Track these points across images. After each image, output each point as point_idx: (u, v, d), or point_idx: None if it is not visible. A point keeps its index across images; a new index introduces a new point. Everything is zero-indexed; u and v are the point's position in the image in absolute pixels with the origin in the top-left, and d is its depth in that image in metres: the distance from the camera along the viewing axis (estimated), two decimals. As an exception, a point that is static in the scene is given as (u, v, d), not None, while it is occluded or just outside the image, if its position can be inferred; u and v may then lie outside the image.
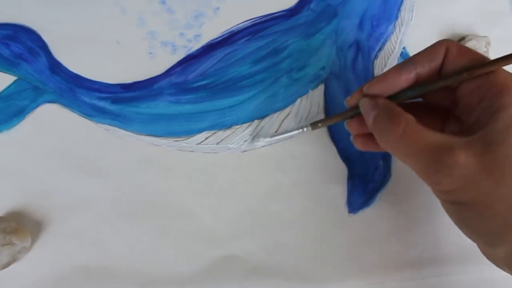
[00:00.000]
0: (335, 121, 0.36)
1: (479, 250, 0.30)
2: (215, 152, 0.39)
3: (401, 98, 0.31)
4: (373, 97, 0.31)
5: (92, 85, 0.39)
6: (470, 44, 0.43)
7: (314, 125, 0.36)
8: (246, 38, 0.41)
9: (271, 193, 0.39)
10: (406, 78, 0.30)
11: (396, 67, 0.32)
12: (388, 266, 0.38)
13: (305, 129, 0.36)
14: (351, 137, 0.35)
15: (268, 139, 0.38)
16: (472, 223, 0.27)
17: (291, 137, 0.38)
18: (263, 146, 0.39)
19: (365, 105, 0.31)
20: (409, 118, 0.28)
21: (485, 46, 0.44)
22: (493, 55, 0.41)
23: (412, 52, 0.43)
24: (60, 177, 0.38)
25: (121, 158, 0.38)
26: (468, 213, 0.26)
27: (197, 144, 0.39)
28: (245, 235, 0.38)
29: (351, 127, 0.34)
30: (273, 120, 0.41)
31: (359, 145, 0.35)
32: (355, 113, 0.33)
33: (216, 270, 0.37)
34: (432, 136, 0.27)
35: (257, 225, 0.38)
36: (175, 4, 0.42)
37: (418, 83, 0.31)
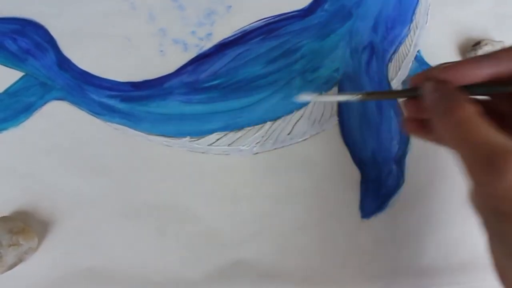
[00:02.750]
0: (389, 98, 0.34)
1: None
2: (227, 154, 0.39)
3: (471, 92, 0.28)
4: (439, 81, 0.28)
5: (101, 82, 0.39)
6: (485, 49, 0.43)
7: (366, 95, 0.33)
8: (259, 38, 0.40)
9: (283, 197, 0.38)
10: (483, 73, 0.27)
11: (475, 59, 0.29)
12: (400, 273, 0.38)
13: (356, 97, 0.33)
14: (402, 119, 0.33)
15: (315, 96, 0.36)
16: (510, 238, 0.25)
17: (338, 100, 0.37)
18: (308, 102, 0.39)
19: (429, 86, 0.29)
20: (473, 108, 0.26)
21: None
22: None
23: (426, 55, 0.42)
24: (67, 176, 0.37)
25: (130, 158, 0.37)
26: (508, 227, 0.25)
27: (208, 145, 0.39)
28: (256, 239, 0.37)
29: (406, 108, 0.32)
30: (286, 123, 0.40)
31: (409, 129, 0.33)
32: (414, 94, 0.31)
33: (226, 275, 0.36)
34: (494, 135, 0.25)
35: (269, 229, 0.38)
36: (186, 1, 0.41)
37: (494, 81, 0.28)
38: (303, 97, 0.35)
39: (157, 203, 0.37)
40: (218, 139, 0.39)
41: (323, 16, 0.42)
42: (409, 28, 0.42)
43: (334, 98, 0.38)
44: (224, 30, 0.40)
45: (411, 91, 0.31)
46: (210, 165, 0.38)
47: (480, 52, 0.42)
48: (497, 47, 0.43)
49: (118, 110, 0.38)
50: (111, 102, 0.39)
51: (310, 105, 0.41)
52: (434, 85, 0.28)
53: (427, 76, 0.29)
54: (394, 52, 0.42)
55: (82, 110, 0.38)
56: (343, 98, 0.34)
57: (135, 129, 0.38)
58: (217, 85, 0.39)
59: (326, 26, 0.41)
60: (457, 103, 0.26)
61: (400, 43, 0.42)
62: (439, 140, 0.30)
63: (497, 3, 0.44)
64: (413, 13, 0.44)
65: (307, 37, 0.41)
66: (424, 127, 0.31)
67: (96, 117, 0.38)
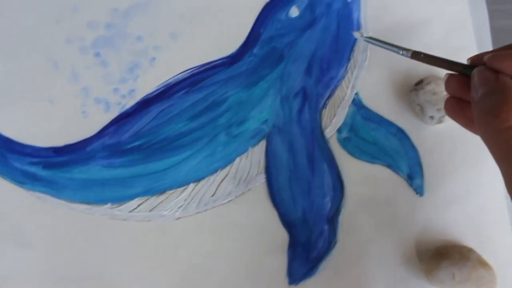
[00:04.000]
0: (437, 65, 0.29)
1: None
2: (148, 220, 0.37)
3: None
4: (493, 70, 0.25)
5: (23, 149, 0.37)
6: (428, 88, 0.38)
7: (416, 54, 0.31)
8: (184, 91, 0.38)
9: (208, 262, 0.36)
10: None
11: None
12: None
13: (405, 53, 0.32)
14: (443, 96, 0.30)
15: (365, 36, 0.37)
16: None
17: (387, 49, 0.35)
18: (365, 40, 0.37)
19: (480, 75, 0.25)
20: None
21: (447, 91, 0.39)
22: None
23: (365, 98, 0.39)
24: (-10, 250, 0.36)
25: (53, 228, 0.36)
26: None
27: (129, 211, 0.37)
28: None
29: (449, 84, 0.29)
30: (210, 183, 0.38)
31: (449, 109, 0.30)
32: (463, 72, 0.28)
33: None
34: None
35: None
36: (110, 56, 0.39)
37: None
38: (356, 34, 0.36)
39: (81, 275, 0.36)
40: (139, 205, 0.37)
41: (251, 62, 0.39)
42: (346, 69, 0.39)
43: (381, 44, 0.35)
44: (148, 85, 0.38)
45: (465, 68, 0.27)
46: (131, 233, 0.37)
47: (422, 92, 0.38)
48: (443, 86, 0.39)
49: (41, 178, 0.37)
50: (33, 169, 0.37)
51: (235, 163, 0.38)
52: (486, 74, 0.25)
53: (484, 59, 0.25)
54: (329, 97, 0.39)
55: (5, 179, 0.37)
56: (391, 47, 0.33)
57: (57, 198, 0.37)
58: (139, 146, 0.38)
59: (254, 72, 0.39)
60: (508, 106, 0.22)
61: (336, 86, 0.39)
62: (477, 132, 0.26)
63: (447, 35, 0.40)
64: (351, 51, 0.40)
65: (234, 87, 0.39)
66: (466, 111, 0.27)
67: (19, 186, 0.37)
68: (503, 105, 0.23)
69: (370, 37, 0.37)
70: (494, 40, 0.40)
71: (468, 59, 0.29)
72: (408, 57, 0.32)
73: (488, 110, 0.23)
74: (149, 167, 0.37)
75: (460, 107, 0.29)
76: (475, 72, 0.26)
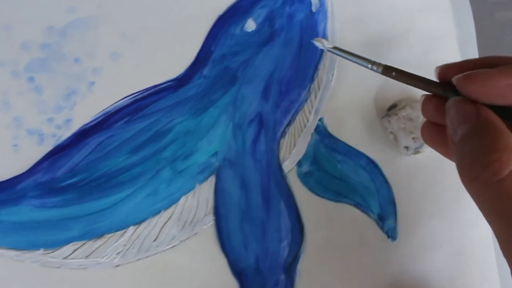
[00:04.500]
0: (412, 84, 0.25)
1: None
2: (84, 268, 0.33)
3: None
4: (468, 99, 0.21)
5: (-50, 190, 0.35)
6: (403, 114, 0.33)
7: (387, 70, 0.27)
8: (125, 120, 0.35)
9: None
10: None
11: None
12: None
13: (375, 67, 0.28)
14: (420, 122, 0.27)
15: (328, 46, 0.32)
16: None
17: (354, 62, 0.30)
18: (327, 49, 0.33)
19: (457, 109, 0.21)
20: None
21: (424, 116, 0.34)
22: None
23: (331, 124, 0.35)
24: None
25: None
26: None
27: (63, 258, 0.33)
28: None
29: (426, 107, 0.25)
30: (152, 226, 0.34)
31: (426, 136, 0.26)
32: (443, 94, 0.24)
33: None
34: None
35: None
36: (45, 81, 0.35)
37: None
38: (318, 43, 0.32)
39: (9, 329, 0.32)
40: (74, 250, 0.33)
41: (201, 85, 0.35)
42: (309, 90, 0.36)
43: (348, 56, 0.30)
44: (86, 114, 0.35)
45: (444, 89, 0.23)
46: (65, 282, 0.33)
47: (396, 118, 0.33)
48: (419, 110, 0.34)
49: (-36, 220, 0.34)
50: (-41, 212, 0.34)
51: (180, 202, 0.34)
52: (465, 108, 0.21)
53: (457, 72, 0.22)
54: (289, 124, 0.36)
55: None
56: (360, 60, 0.28)
57: (-17, 243, 0.35)
58: (74, 184, 0.34)
59: (204, 97, 0.35)
60: (501, 150, 0.19)
61: (297, 111, 0.36)
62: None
63: (428, 49, 0.35)
64: (315, 69, 0.36)
65: (180, 114, 0.35)
66: (445, 137, 0.23)
67: None
68: (491, 152, 0.19)
69: (335, 47, 0.31)
70: (482, 55, 0.34)
71: (436, 68, 0.24)
72: (378, 72, 0.27)
73: (472, 159, 0.19)
74: (85, 207, 0.34)
75: (439, 133, 0.25)
76: (450, 104, 0.22)
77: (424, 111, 0.25)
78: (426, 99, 0.25)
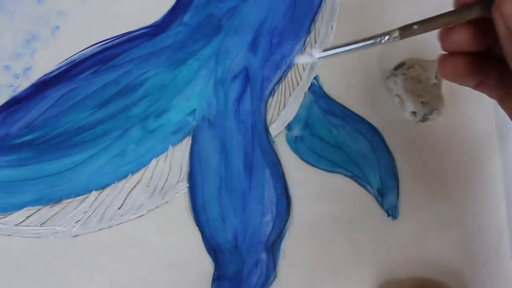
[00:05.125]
0: (441, 24, 0.23)
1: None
2: (39, 237, 0.31)
3: None
4: None
5: None
6: (411, 74, 0.29)
7: (406, 30, 0.24)
8: (91, 71, 0.33)
9: None
10: None
11: None
12: None
13: (388, 37, 0.24)
14: (439, 58, 0.25)
15: (322, 53, 0.27)
16: None
17: (357, 50, 0.26)
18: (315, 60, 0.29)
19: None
20: None
21: (436, 76, 0.30)
22: (447, 88, 0.32)
23: (327, 84, 0.33)
24: None
25: None
26: None
27: (15, 225, 0.31)
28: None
29: (450, 37, 0.23)
30: (117, 192, 0.32)
31: (450, 70, 0.24)
32: (481, 13, 0.22)
33: None
34: None
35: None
36: (1, 23, 0.34)
37: None
38: (302, 59, 0.30)
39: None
40: (28, 217, 0.31)
41: (180, 33, 0.33)
42: (304, 44, 0.33)
43: (348, 48, 0.26)
44: (47, 63, 0.33)
45: (469, 11, 0.22)
46: (17, 252, 0.31)
47: (403, 79, 0.29)
48: (431, 69, 0.30)
49: None
50: None
51: (150, 166, 0.32)
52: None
53: None
54: (279, 81, 0.33)
55: None
56: (362, 44, 0.25)
57: None
58: (31, 142, 0.32)
59: (183, 47, 0.33)
60: None
61: (289, 67, 0.33)
62: (494, 94, 0.23)
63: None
64: (312, 20, 0.34)
65: (155, 66, 0.33)
66: (474, 65, 0.23)
67: None
68: None
69: (327, 49, 0.26)
70: None
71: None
72: (396, 40, 0.24)
73: None
74: (42, 168, 0.32)
75: (466, 62, 0.23)
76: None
77: (445, 41, 0.23)
78: (447, 31, 0.23)
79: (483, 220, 0.32)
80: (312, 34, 0.32)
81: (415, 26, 0.24)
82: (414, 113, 0.31)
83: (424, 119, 0.31)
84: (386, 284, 0.31)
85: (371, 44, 0.25)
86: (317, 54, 0.27)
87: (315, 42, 0.32)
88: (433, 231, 0.32)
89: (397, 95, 0.31)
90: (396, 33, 0.24)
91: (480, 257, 0.32)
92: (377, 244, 0.31)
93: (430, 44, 0.31)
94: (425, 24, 0.23)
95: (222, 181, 0.32)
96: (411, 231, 0.31)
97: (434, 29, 0.23)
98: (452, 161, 0.32)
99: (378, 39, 0.24)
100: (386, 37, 0.24)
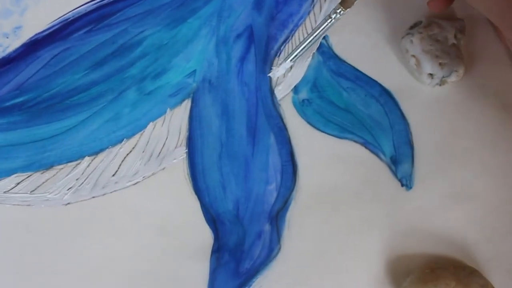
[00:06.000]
0: None
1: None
2: (29, 205, 0.30)
3: None
4: None
5: None
6: (429, 33, 0.29)
7: (345, 1, 0.28)
8: (85, 30, 0.32)
9: (105, 266, 0.30)
10: None
11: None
12: None
13: (334, 15, 0.28)
14: (427, 3, 0.29)
15: (288, 59, 0.30)
16: None
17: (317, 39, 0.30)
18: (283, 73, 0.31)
19: None
20: None
21: (455, 36, 0.28)
22: (468, 50, 0.31)
23: (338, 46, 0.31)
24: None
25: None
26: None
27: (4, 192, 0.31)
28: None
29: None
30: (111, 158, 0.31)
31: (437, 7, 0.29)
32: None
33: None
34: None
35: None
36: None
37: None
38: (276, 72, 0.31)
39: None
40: (18, 183, 0.30)
41: None
42: (312, 2, 0.32)
43: (306, 46, 0.29)
44: (39, 20, 0.32)
45: None
46: (5, 221, 0.30)
47: (419, 38, 0.28)
48: (450, 30, 0.28)
49: None
50: None
51: (147, 130, 0.31)
52: None
53: None
54: (286, 41, 0.31)
55: None
56: (319, 33, 0.29)
57: None
58: (21, 104, 0.31)
59: (183, 5, 0.32)
60: None
61: (297, 26, 0.31)
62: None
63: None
64: None
65: (153, 25, 0.31)
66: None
67: None
68: None
69: (292, 52, 0.30)
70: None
71: None
72: (344, 13, 0.28)
73: None
74: (33, 132, 0.31)
75: None
76: None
77: None
78: None
79: (503, 191, 0.30)
80: (322, -10, 0.31)
81: None
82: (431, 75, 0.29)
83: (442, 82, 0.29)
84: (395, 260, 0.30)
85: (326, 27, 0.28)
86: (289, 60, 0.30)
87: (325, 0, 0.30)
88: (449, 203, 0.30)
89: (413, 56, 0.29)
90: (340, 7, 0.27)
91: (498, 232, 0.30)
92: (388, 216, 0.30)
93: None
94: None
95: (223, 146, 0.30)
96: (425, 203, 0.30)
97: None
98: (472, 128, 0.31)
99: (329, 20, 0.28)
100: (334, 15, 0.28)
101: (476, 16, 0.31)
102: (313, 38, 0.29)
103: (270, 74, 0.31)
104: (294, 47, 0.30)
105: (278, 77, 0.31)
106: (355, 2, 0.28)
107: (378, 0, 0.32)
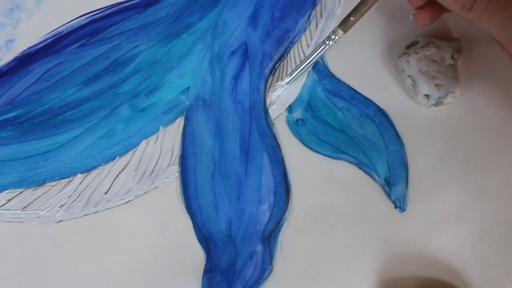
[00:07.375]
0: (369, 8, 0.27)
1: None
2: (20, 222, 0.30)
3: None
4: None
5: None
6: (425, 54, 0.27)
7: (344, 24, 0.28)
8: (78, 44, 0.32)
9: (95, 285, 0.29)
10: None
11: None
12: None
13: (334, 37, 0.28)
14: (411, 16, 0.29)
15: (285, 81, 0.30)
16: None
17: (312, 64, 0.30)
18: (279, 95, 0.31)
19: None
20: None
21: (452, 56, 0.27)
22: (465, 70, 0.30)
23: (334, 63, 0.31)
24: None
25: None
26: None
27: None
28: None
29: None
30: (104, 176, 0.30)
31: (421, 21, 0.28)
32: None
33: None
34: None
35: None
36: None
37: None
38: (275, 92, 0.30)
39: None
40: (9, 200, 0.30)
41: (175, 5, 0.32)
42: (308, 18, 0.31)
43: (305, 66, 0.29)
44: (32, 34, 0.32)
45: None
46: None
47: (416, 58, 0.27)
48: (448, 49, 0.28)
49: None
50: None
51: (140, 148, 0.30)
52: None
53: None
54: (281, 58, 0.31)
55: None
56: (315, 56, 0.29)
57: None
58: (13, 119, 0.31)
59: (177, 20, 0.32)
60: None
61: (292, 43, 0.31)
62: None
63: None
64: None
65: (147, 40, 0.31)
66: (438, 9, 0.27)
67: None
68: None
69: (290, 74, 0.29)
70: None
71: None
72: (343, 35, 0.28)
73: None
74: (25, 148, 0.31)
75: (431, 10, 0.27)
76: None
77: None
78: None
79: (497, 215, 0.29)
80: (318, 7, 0.31)
81: (351, 18, 0.27)
82: (427, 96, 0.29)
83: (438, 103, 0.29)
84: (388, 283, 0.29)
85: (324, 49, 0.28)
86: (286, 80, 0.29)
87: (321, 17, 0.30)
88: (443, 225, 0.29)
89: (409, 76, 0.29)
90: (340, 31, 0.27)
91: (491, 256, 0.29)
92: (381, 238, 0.29)
93: (445, 22, 0.30)
94: (358, 11, 0.27)
95: (216, 165, 0.30)
96: (419, 225, 0.29)
97: (367, 11, 0.26)
98: (467, 149, 0.30)
99: (328, 42, 0.28)
100: (333, 37, 0.27)
101: (473, 36, 0.30)
102: (310, 61, 0.28)
103: (267, 98, 0.30)
104: (289, 65, 0.30)
105: (272, 98, 0.30)
106: (354, 25, 0.27)
107: (375, 19, 0.31)
